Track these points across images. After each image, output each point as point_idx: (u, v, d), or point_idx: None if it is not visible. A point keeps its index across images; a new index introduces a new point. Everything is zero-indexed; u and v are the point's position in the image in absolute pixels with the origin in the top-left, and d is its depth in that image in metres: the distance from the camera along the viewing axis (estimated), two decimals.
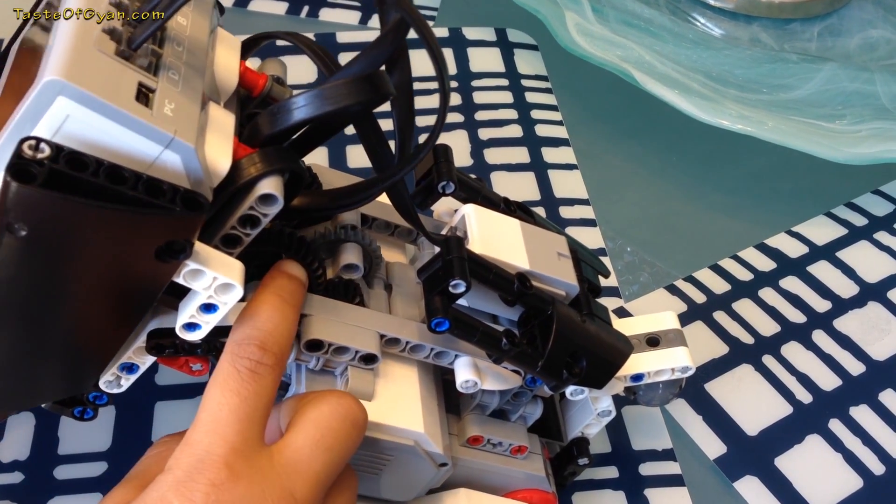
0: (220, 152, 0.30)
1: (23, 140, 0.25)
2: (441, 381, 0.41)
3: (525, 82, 0.74)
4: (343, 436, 0.33)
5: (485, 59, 0.75)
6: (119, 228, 0.26)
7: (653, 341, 0.45)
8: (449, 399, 0.42)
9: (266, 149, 0.31)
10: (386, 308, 0.39)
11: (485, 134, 0.68)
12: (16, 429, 0.48)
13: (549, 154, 0.68)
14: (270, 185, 0.30)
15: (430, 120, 0.64)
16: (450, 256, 0.35)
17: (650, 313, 0.46)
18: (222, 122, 0.31)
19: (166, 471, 0.31)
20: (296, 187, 0.33)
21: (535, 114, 0.71)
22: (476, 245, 0.38)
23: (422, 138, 0.35)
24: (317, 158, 0.63)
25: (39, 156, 0.25)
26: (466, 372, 0.38)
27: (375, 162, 0.35)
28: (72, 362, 0.32)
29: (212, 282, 0.30)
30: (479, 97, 0.72)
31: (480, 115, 0.70)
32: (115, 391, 0.36)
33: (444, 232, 0.40)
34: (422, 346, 0.38)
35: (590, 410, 0.44)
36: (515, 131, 0.69)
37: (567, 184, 0.66)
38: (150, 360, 0.35)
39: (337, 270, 0.38)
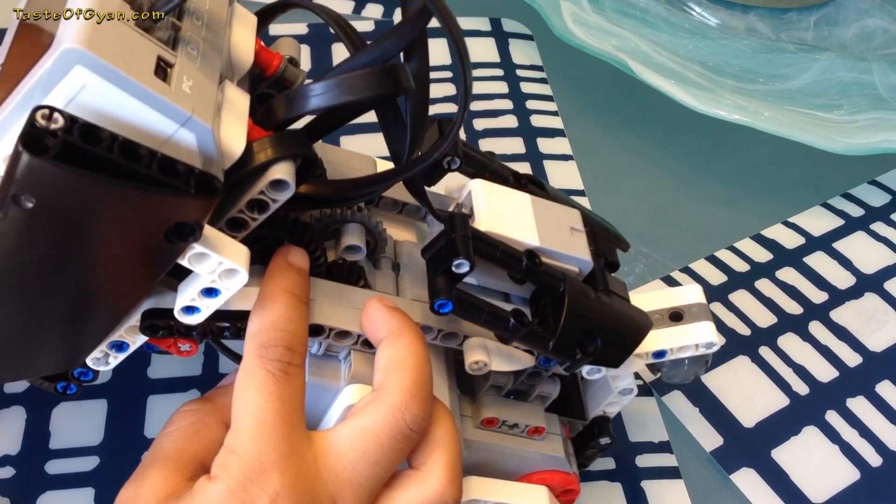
0: (234, 134, 0.29)
1: (36, 108, 0.24)
2: (454, 362, 0.40)
3: (520, 72, 0.73)
4: (391, 451, 0.32)
5: (479, 49, 0.75)
6: (129, 207, 0.26)
7: (676, 316, 0.43)
8: (465, 381, 0.41)
9: (280, 133, 0.31)
10: (394, 289, 0.38)
11: (480, 124, 0.68)
12: (6, 423, 0.47)
13: (545, 145, 0.67)
14: (282, 171, 0.30)
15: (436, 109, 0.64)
16: (453, 235, 0.34)
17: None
18: (237, 103, 0.31)
19: (214, 479, 0.30)
20: (306, 173, 0.32)
21: (531, 104, 0.70)
22: (482, 222, 0.37)
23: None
24: None
25: (53, 126, 0.24)
26: (475, 353, 0.37)
27: (392, 150, 0.35)
28: (66, 337, 0.31)
29: (217, 266, 0.29)
30: (473, 87, 0.71)
31: (475, 106, 0.69)
32: (103, 368, 0.35)
33: (451, 209, 0.39)
34: (428, 327, 0.37)
35: (610, 389, 0.43)
36: (510, 122, 0.69)
37: (562, 174, 0.65)
38: (142, 339, 0.34)
39: (339, 252, 0.37)
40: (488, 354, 0.37)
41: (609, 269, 0.41)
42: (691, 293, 0.44)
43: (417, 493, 0.33)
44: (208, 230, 0.29)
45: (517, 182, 0.41)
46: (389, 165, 0.41)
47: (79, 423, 0.48)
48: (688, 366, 0.44)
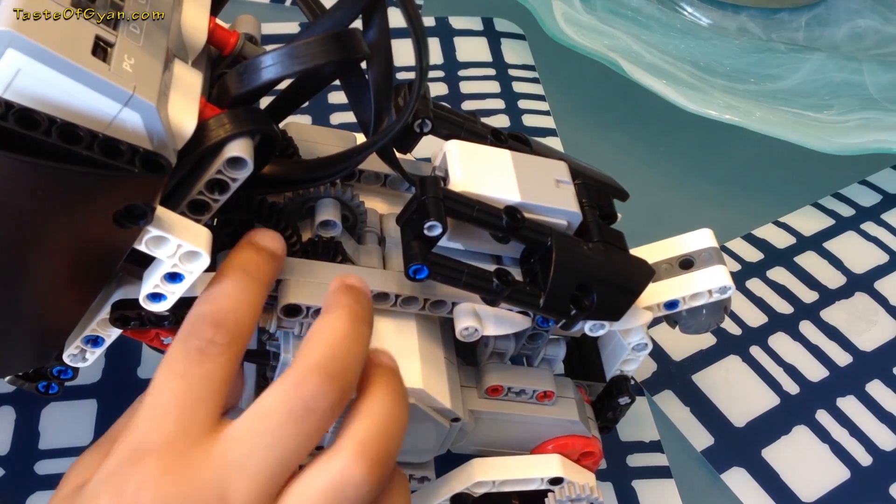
0: (184, 112, 0.29)
1: None
2: (451, 334, 0.39)
3: (512, 72, 0.73)
4: (289, 433, 0.29)
5: (471, 49, 0.75)
6: (73, 191, 0.25)
7: (686, 263, 0.41)
8: (469, 351, 0.40)
9: (235, 109, 0.30)
10: (379, 262, 0.38)
11: None
12: None
13: None
14: (239, 148, 0.29)
15: None
16: (423, 197, 0.33)
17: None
18: (188, 81, 0.30)
19: (110, 456, 0.29)
20: (268, 152, 0.31)
21: (522, 104, 0.70)
22: (458, 183, 0.36)
23: None
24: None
25: None
26: (465, 319, 0.36)
27: (360, 121, 0.34)
28: (31, 332, 0.31)
29: (176, 249, 0.29)
30: (465, 87, 0.71)
31: (467, 105, 0.69)
32: (80, 365, 0.34)
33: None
34: (413, 297, 0.36)
35: (623, 346, 0.42)
36: (502, 121, 0.69)
37: None
38: (116, 332, 0.34)
39: (314, 229, 0.37)
40: (479, 320, 0.36)
41: (607, 220, 0.39)
42: (701, 238, 0.42)
43: (322, 476, 0.29)
44: (163, 212, 0.28)
45: (496, 139, 0.40)
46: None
47: (68, 424, 0.47)
48: (706, 315, 0.42)
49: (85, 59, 0.26)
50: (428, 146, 0.40)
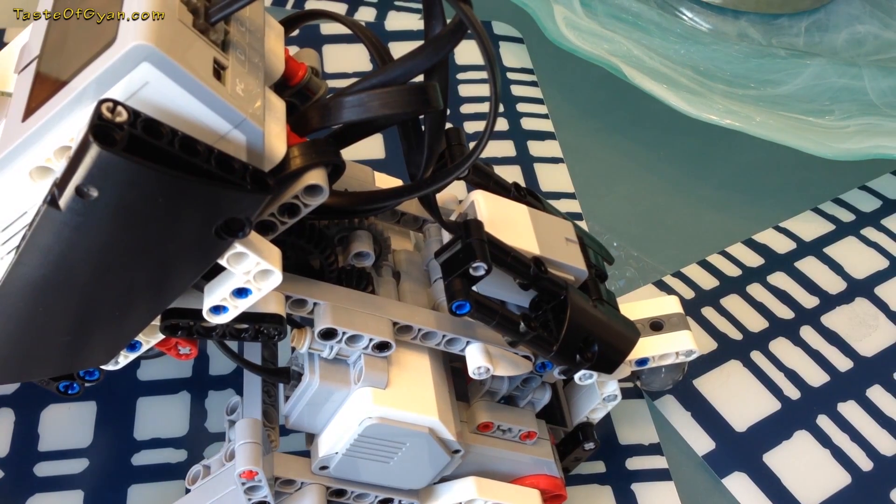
0: (277, 138, 0.30)
1: (101, 101, 0.24)
2: (449, 368, 0.41)
3: (511, 75, 0.73)
4: None
5: (470, 52, 0.75)
6: (188, 200, 0.26)
7: (656, 326, 0.45)
8: (457, 386, 0.41)
9: (316, 140, 0.31)
10: (395, 295, 0.39)
11: (470, 127, 0.68)
12: None
13: (535, 147, 0.67)
14: (318, 177, 0.31)
15: None
16: (470, 239, 0.35)
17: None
18: (277, 108, 0.31)
19: None
20: (331, 181, 0.32)
21: (521, 107, 0.70)
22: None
23: None
24: None
25: (118, 119, 0.24)
26: (479, 358, 0.38)
27: (410, 166, 0.36)
28: (98, 335, 0.31)
29: (254, 267, 0.30)
30: (464, 90, 0.71)
31: (465, 109, 0.69)
32: (112, 368, 0.35)
33: (453, 219, 0.40)
34: (434, 333, 0.38)
35: (596, 395, 0.44)
36: (501, 124, 0.69)
37: (553, 177, 0.65)
38: (156, 339, 0.34)
39: (348, 258, 0.38)
40: (491, 360, 0.38)
41: (599, 279, 0.42)
42: (669, 304, 0.46)
43: None
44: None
45: (518, 193, 0.42)
46: (385, 177, 0.42)
47: (68, 426, 0.47)
48: (665, 373, 0.46)
49: (209, 81, 0.27)
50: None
